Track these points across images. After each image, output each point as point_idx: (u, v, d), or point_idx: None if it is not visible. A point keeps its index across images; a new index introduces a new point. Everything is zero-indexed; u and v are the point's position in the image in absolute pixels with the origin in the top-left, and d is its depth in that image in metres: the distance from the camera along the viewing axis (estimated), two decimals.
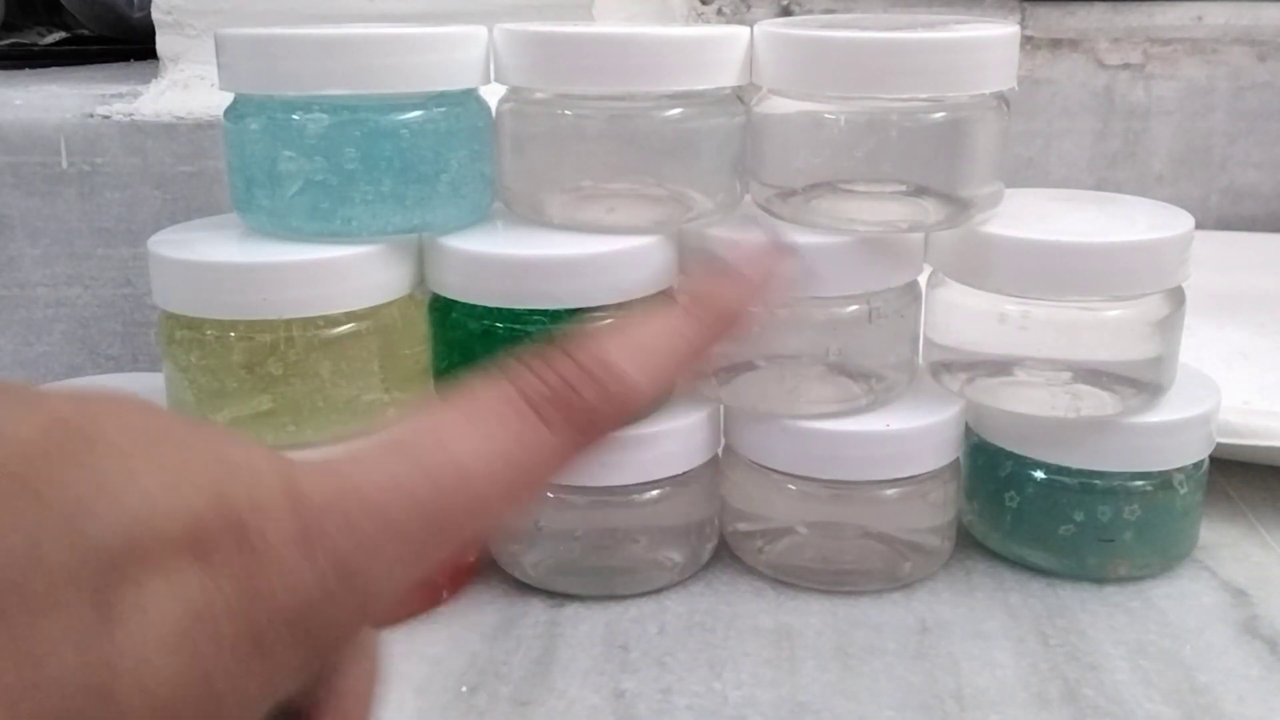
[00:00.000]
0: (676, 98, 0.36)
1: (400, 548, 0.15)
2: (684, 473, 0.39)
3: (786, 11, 0.71)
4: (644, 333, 0.19)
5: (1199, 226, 0.39)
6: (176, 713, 0.13)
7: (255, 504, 0.14)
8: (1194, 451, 0.39)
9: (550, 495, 0.38)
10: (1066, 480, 0.39)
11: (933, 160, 0.36)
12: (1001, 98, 0.37)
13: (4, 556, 0.12)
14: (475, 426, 0.16)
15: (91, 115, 0.56)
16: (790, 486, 0.39)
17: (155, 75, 0.59)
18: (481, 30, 0.37)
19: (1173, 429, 0.38)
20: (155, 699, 0.13)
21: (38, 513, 0.12)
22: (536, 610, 0.39)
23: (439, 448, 0.16)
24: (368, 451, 0.16)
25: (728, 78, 0.37)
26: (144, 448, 0.14)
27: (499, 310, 0.36)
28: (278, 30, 0.35)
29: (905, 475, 0.38)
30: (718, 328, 0.20)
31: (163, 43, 0.59)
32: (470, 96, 0.38)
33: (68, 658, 0.12)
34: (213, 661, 0.13)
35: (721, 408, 0.40)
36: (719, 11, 0.72)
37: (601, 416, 0.17)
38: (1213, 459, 0.41)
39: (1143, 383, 0.38)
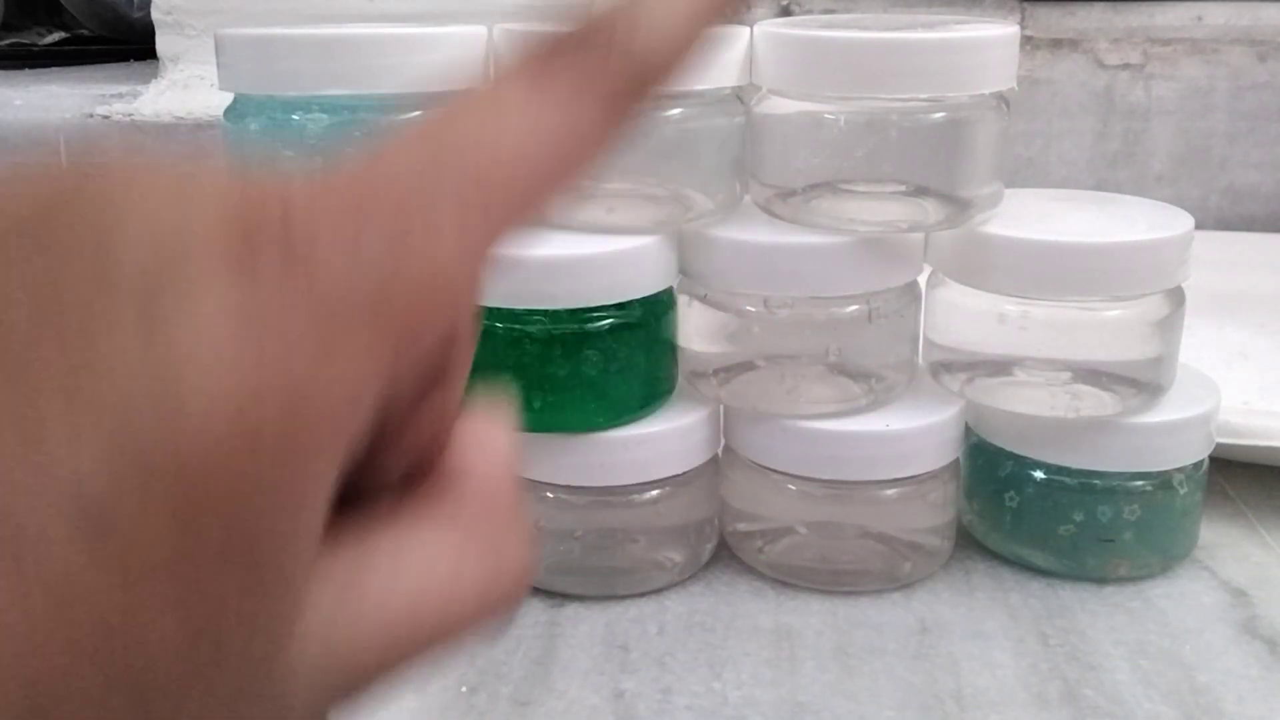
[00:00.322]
0: (676, 98, 0.36)
1: (458, 216, 0.14)
2: (684, 473, 0.39)
3: (786, 11, 0.71)
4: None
5: (1199, 227, 0.39)
6: (255, 392, 0.11)
7: (289, 196, 0.13)
8: (1194, 451, 0.39)
9: (550, 495, 0.38)
10: (1066, 480, 0.39)
11: (933, 160, 0.36)
12: (1001, 98, 0.37)
13: (32, 288, 0.11)
14: (505, 102, 0.15)
15: (91, 115, 0.56)
16: (790, 486, 0.39)
17: (155, 75, 0.59)
18: (481, 30, 0.37)
19: (1172, 429, 0.38)
20: (229, 386, 0.11)
21: (62, 243, 0.12)
22: (536, 610, 0.39)
23: (473, 121, 0.15)
24: (396, 138, 0.15)
25: (727, 78, 0.37)
26: (154, 176, 0.13)
27: (499, 310, 0.36)
28: (277, 30, 0.35)
29: (905, 475, 0.38)
30: None
31: (162, 43, 0.59)
32: None
33: (121, 354, 0.11)
34: (283, 347, 0.12)
35: (721, 408, 0.40)
36: None
37: (645, 74, 0.16)
38: (1212, 459, 0.41)
39: (1142, 383, 0.38)
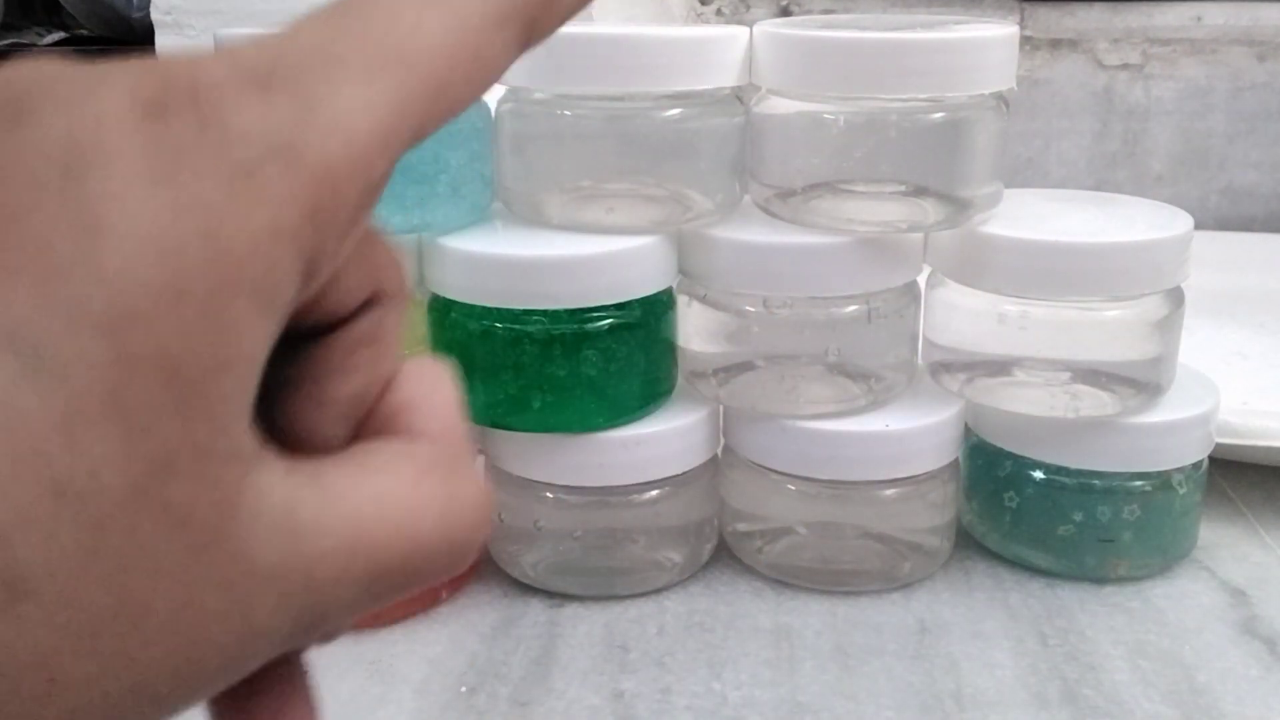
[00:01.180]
0: (676, 98, 0.36)
1: (364, 85, 0.14)
2: (683, 473, 0.39)
3: (786, 12, 0.71)
4: None
5: (1198, 227, 0.39)
6: (178, 245, 0.12)
7: (196, 68, 0.13)
8: (1193, 452, 0.39)
9: (550, 495, 0.38)
10: (1066, 480, 0.39)
11: (932, 160, 0.36)
12: (1001, 98, 0.37)
13: None
14: None
15: None
16: (789, 487, 0.39)
17: None
18: None
19: (1172, 429, 0.38)
20: (149, 229, 0.12)
21: None
22: (536, 610, 0.39)
23: (374, 2, 0.15)
24: (296, 20, 0.15)
25: (727, 78, 0.37)
26: (64, 66, 0.13)
27: (498, 310, 0.36)
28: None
29: (904, 475, 0.38)
30: None
31: (162, 43, 0.59)
32: None
33: (44, 207, 0.12)
34: (199, 192, 0.13)
35: (721, 408, 0.40)
36: (718, 12, 0.72)
37: None
38: (1212, 459, 0.41)
39: (1142, 383, 0.38)
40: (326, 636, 0.16)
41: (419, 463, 0.16)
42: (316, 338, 0.16)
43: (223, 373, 0.13)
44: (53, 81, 0.13)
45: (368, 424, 0.17)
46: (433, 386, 0.17)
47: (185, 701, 0.13)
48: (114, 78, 0.13)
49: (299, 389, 0.16)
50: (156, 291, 0.12)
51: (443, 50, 0.15)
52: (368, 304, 0.16)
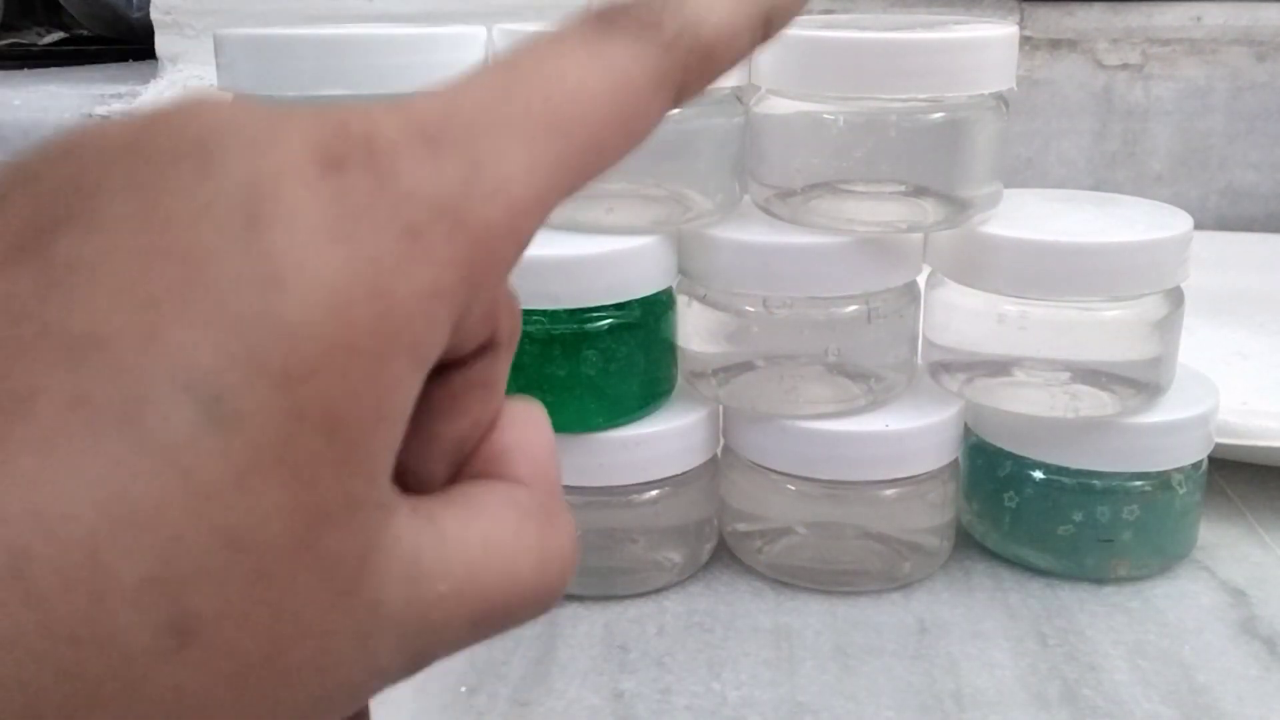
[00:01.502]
0: None
1: (527, 148, 0.15)
2: (683, 473, 0.39)
3: None
4: None
5: (1198, 227, 0.39)
6: (352, 302, 0.13)
7: (372, 121, 0.14)
8: (1193, 452, 0.39)
9: None
10: (1065, 480, 0.39)
11: (932, 160, 0.36)
12: (1000, 98, 0.37)
13: (141, 203, 0.12)
14: (568, 44, 0.16)
15: (90, 115, 0.56)
16: (789, 487, 0.39)
17: (154, 75, 0.59)
18: (481, 30, 0.37)
19: (1171, 429, 0.38)
20: (327, 284, 0.12)
21: (166, 160, 0.13)
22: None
23: (539, 61, 0.16)
24: (467, 75, 0.15)
25: (726, 78, 0.37)
26: (245, 107, 0.14)
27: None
28: (277, 30, 0.35)
29: (904, 475, 0.38)
30: None
31: (161, 43, 0.59)
32: None
33: (228, 257, 0.12)
34: (373, 250, 0.13)
35: (720, 408, 0.40)
36: None
37: (695, 35, 0.17)
38: (1211, 459, 0.41)
39: (1141, 383, 0.38)
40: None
41: (521, 509, 0.16)
42: (433, 377, 0.16)
43: (380, 427, 0.13)
44: (236, 126, 0.13)
45: (470, 464, 0.17)
46: (532, 430, 0.18)
47: None
48: (293, 125, 0.13)
49: (411, 426, 0.16)
50: (329, 347, 0.12)
51: (602, 113, 0.16)
52: (484, 347, 0.17)
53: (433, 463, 0.17)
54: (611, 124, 0.16)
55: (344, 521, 0.13)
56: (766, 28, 0.18)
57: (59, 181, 0.13)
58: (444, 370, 0.16)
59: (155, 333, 0.12)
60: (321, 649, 0.13)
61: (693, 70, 0.17)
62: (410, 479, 0.16)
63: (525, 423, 0.18)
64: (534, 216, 0.15)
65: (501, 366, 0.17)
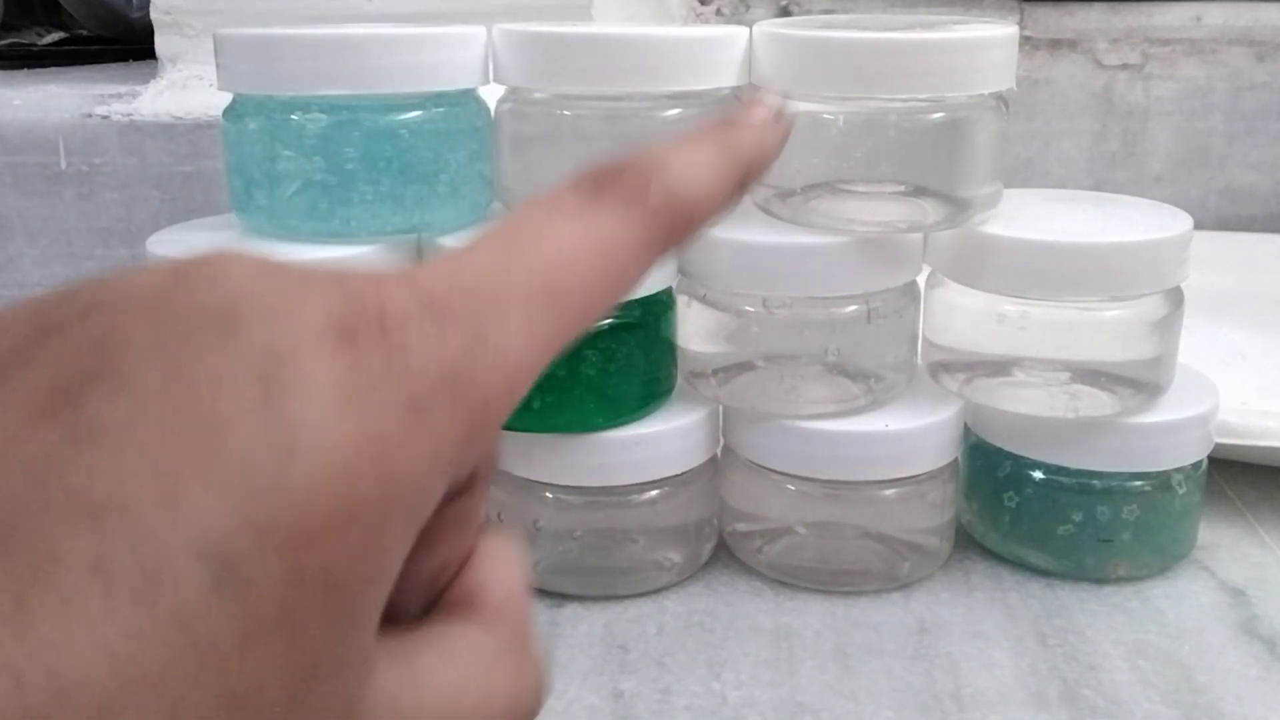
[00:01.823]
0: (675, 98, 0.36)
1: (525, 319, 0.16)
2: (683, 473, 0.39)
3: (785, 11, 0.71)
4: (697, 140, 0.21)
5: (1198, 227, 0.39)
6: (357, 472, 0.13)
7: (384, 294, 0.15)
8: (1192, 452, 0.39)
9: (549, 495, 0.38)
10: (1065, 480, 0.39)
11: (931, 160, 0.36)
12: (1000, 98, 0.37)
13: (164, 355, 0.13)
14: (562, 214, 0.18)
15: (90, 115, 0.56)
16: (789, 487, 0.39)
17: (154, 75, 0.59)
18: (480, 30, 0.37)
19: (1171, 429, 0.38)
20: (336, 455, 0.13)
21: (184, 328, 0.13)
22: (535, 610, 0.39)
23: (536, 231, 0.17)
24: (469, 245, 0.17)
25: (726, 78, 0.37)
26: (264, 264, 0.14)
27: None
28: (276, 30, 0.35)
29: (904, 475, 0.38)
30: (761, 141, 0.21)
31: (161, 43, 0.59)
32: (469, 97, 0.38)
33: (245, 425, 0.13)
34: (380, 423, 0.14)
35: (720, 408, 0.40)
36: (718, 12, 0.72)
37: (678, 202, 0.19)
38: (1211, 459, 0.41)
39: (1141, 383, 0.38)
40: None
41: (494, 647, 0.17)
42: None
43: (372, 586, 0.14)
44: (257, 294, 0.14)
45: (445, 595, 0.18)
46: (505, 566, 0.19)
47: None
48: (311, 294, 0.14)
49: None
50: (332, 513, 0.13)
51: (593, 281, 0.17)
52: (464, 486, 0.17)
53: (409, 594, 0.17)
54: (600, 289, 0.17)
55: (333, 677, 0.13)
56: (743, 184, 0.20)
57: (85, 340, 0.13)
58: None
59: (174, 500, 0.12)
60: None
61: (677, 232, 0.19)
62: (387, 608, 0.16)
63: (499, 558, 0.19)
64: (528, 380, 0.16)
65: (478, 502, 0.18)
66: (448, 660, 0.16)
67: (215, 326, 0.13)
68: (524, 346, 0.16)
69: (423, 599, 0.18)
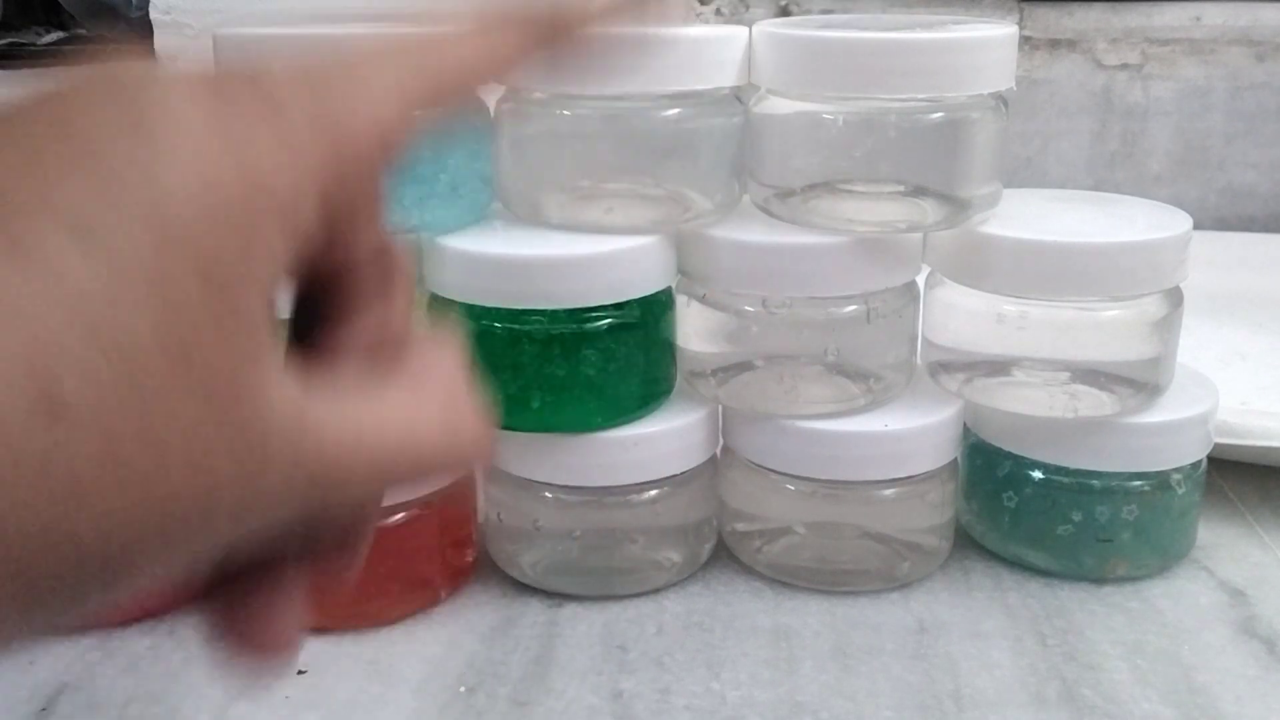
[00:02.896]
0: (675, 98, 0.36)
1: (396, 80, 0.18)
2: (682, 473, 0.39)
3: (785, 12, 0.71)
4: None
5: (1197, 227, 0.39)
6: (220, 174, 0.15)
7: (263, 68, 0.17)
8: (1192, 452, 0.39)
9: (549, 495, 0.38)
10: (1064, 480, 0.39)
11: (931, 160, 0.36)
12: (1000, 98, 0.37)
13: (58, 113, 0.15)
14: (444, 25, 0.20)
15: None
16: (788, 486, 0.39)
17: None
18: None
19: (1171, 429, 0.38)
20: (198, 159, 0.15)
21: (80, 100, 0.16)
22: (535, 610, 0.39)
23: (420, 32, 0.20)
24: (350, 46, 0.19)
25: (726, 78, 0.37)
26: (158, 67, 0.17)
27: (498, 310, 0.36)
28: (277, 30, 0.35)
29: (903, 475, 0.38)
30: None
31: (161, 42, 0.59)
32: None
33: (119, 144, 0.15)
34: (244, 136, 0.16)
35: (720, 408, 0.40)
36: (717, 11, 0.72)
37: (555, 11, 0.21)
38: (1211, 459, 0.41)
39: (1141, 383, 0.38)
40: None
41: (423, 395, 0.19)
42: (336, 285, 0.19)
43: (247, 274, 0.15)
44: (145, 73, 0.16)
45: (383, 373, 0.19)
46: (443, 352, 0.20)
47: (195, 542, 0.15)
48: (194, 72, 0.16)
49: (322, 328, 0.19)
50: (198, 204, 0.15)
51: (469, 55, 0.20)
52: (379, 266, 0.20)
53: (346, 364, 0.19)
54: (473, 61, 0.20)
55: (212, 347, 0.15)
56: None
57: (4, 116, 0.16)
58: (342, 280, 0.19)
59: (46, 190, 0.14)
60: (198, 461, 0.15)
61: (556, 29, 0.21)
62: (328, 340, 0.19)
63: (435, 349, 0.20)
64: (398, 127, 0.18)
65: (398, 284, 0.20)
66: (374, 397, 0.18)
67: (104, 94, 0.16)
68: (393, 84, 0.18)
69: (359, 373, 0.19)
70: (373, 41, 0.19)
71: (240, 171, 0.15)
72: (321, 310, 0.19)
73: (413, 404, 0.18)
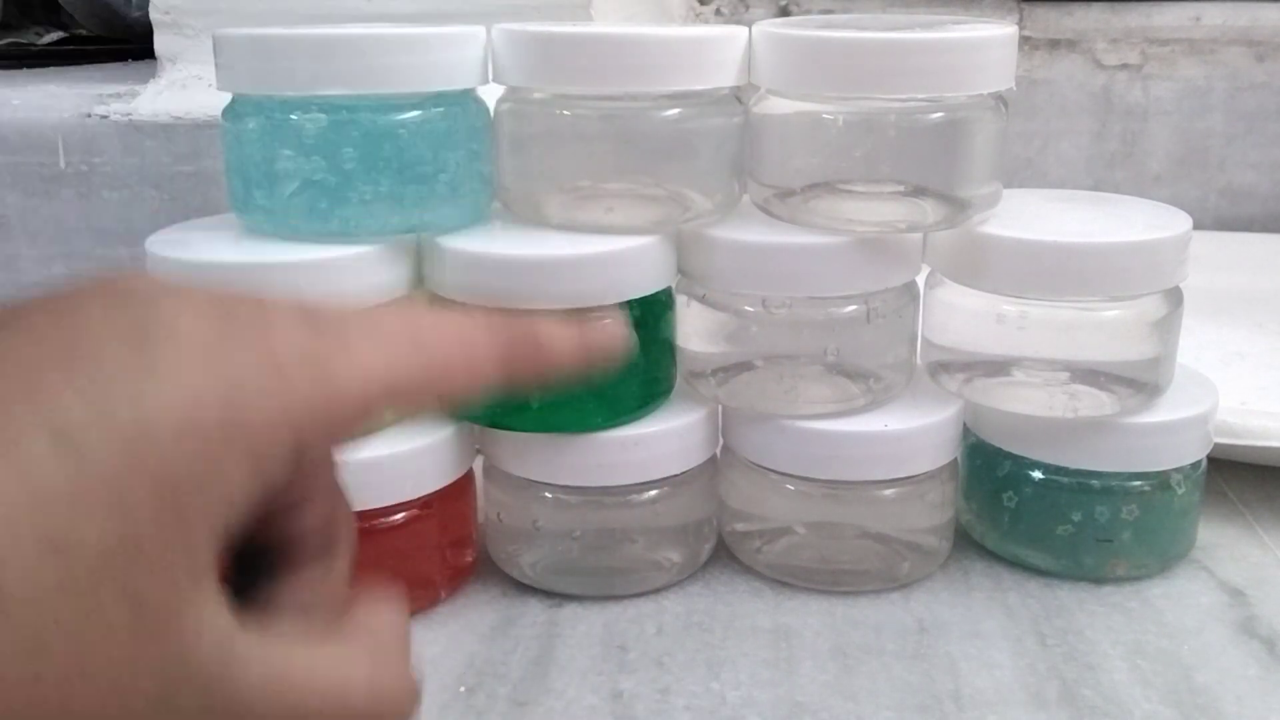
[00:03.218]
0: (675, 98, 0.36)
1: (387, 350, 0.19)
2: (682, 473, 0.39)
3: (785, 11, 0.72)
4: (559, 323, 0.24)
5: (1197, 227, 0.39)
6: (205, 402, 0.16)
7: (270, 299, 0.18)
8: (1192, 452, 0.39)
9: (549, 495, 0.38)
10: (1064, 480, 0.39)
11: (931, 160, 0.36)
12: (1000, 98, 0.37)
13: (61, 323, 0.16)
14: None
15: (89, 115, 0.56)
16: (788, 486, 0.39)
17: (153, 75, 0.59)
18: (480, 30, 0.37)
19: (1170, 429, 0.38)
20: (188, 386, 0.16)
21: (81, 301, 0.17)
22: (534, 610, 0.39)
23: (411, 306, 0.22)
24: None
25: (726, 78, 0.37)
26: (158, 276, 0.18)
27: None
28: (276, 30, 0.35)
29: (903, 475, 0.38)
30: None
31: (161, 42, 0.59)
32: (468, 96, 0.38)
33: (117, 354, 0.16)
34: (240, 371, 0.17)
35: (719, 408, 0.40)
36: (717, 12, 0.72)
37: (533, 336, 0.23)
38: (1210, 459, 0.41)
39: (1140, 383, 0.38)
40: None
41: (353, 652, 0.19)
42: (285, 537, 0.20)
43: (204, 505, 0.16)
44: (159, 287, 0.17)
45: (318, 616, 0.20)
46: (381, 611, 0.21)
47: None
48: (206, 294, 0.17)
49: (264, 575, 0.20)
50: (175, 430, 0.16)
51: (452, 351, 0.20)
52: (327, 531, 0.21)
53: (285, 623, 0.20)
54: (455, 361, 0.20)
55: (153, 560, 0.15)
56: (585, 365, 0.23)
57: (10, 313, 0.17)
58: (290, 539, 0.20)
59: (34, 394, 0.15)
60: (122, 671, 0.15)
61: (525, 357, 0.22)
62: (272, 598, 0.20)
63: (377, 605, 0.21)
64: (382, 399, 0.19)
65: (340, 549, 0.21)
66: (303, 642, 0.18)
67: (113, 300, 0.17)
68: (382, 364, 0.19)
69: (298, 621, 0.20)
70: (374, 315, 0.20)
71: (224, 410, 0.16)
72: (266, 558, 0.20)
73: (342, 658, 0.19)
